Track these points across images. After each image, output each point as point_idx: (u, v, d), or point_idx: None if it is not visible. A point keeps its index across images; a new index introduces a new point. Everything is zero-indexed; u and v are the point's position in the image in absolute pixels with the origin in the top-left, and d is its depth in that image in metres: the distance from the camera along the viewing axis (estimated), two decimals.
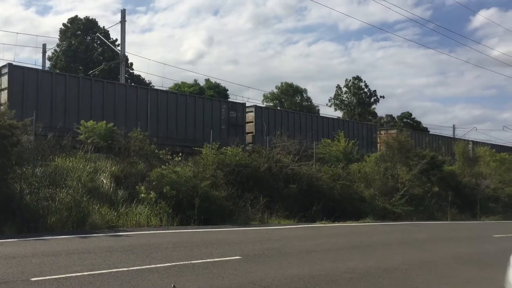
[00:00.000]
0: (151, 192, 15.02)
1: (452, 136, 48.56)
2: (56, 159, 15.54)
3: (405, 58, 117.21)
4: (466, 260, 10.86)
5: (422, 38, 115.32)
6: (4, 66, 19.01)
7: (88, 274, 7.20)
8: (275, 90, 64.78)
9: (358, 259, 10.00)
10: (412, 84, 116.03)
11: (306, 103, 64.70)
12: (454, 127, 59.86)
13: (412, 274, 8.77)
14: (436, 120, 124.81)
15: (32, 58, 67.84)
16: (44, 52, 36.72)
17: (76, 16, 49.76)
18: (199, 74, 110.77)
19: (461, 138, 45.71)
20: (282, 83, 64.80)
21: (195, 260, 8.74)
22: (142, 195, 14.92)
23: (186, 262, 8.48)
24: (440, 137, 41.88)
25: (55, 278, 6.93)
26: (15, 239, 10.28)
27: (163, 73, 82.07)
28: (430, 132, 48.57)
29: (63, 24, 49.33)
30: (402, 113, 67.18)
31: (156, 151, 18.34)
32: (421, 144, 34.85)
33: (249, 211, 16.96)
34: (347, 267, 8.95)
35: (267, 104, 61.05)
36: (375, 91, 65.48)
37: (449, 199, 25.14)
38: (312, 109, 63.01)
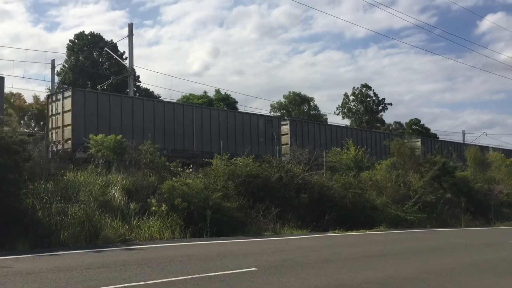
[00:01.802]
0: (163, 204, 14.96)
1: (462, 142, 48.25)
2: (68, 174, 15.55)
3: (412, 65, 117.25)
4: (484, 268, 10.67)
5: (429, 44, 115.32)
6: None
7: None
8: (283, 100, 64.83)
9: (375, 268, 9.85)
10: (420, 90, 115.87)
11: (314, 112, 64.61)
12: (463, 133, 59.57)
13: (431, 283, 8.62)
14: (445, 126, 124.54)
15: (41, 74, 68.71)
16: (53, 68, 37.08)
17: (83, 31, 50.29)
18: (205, 86, 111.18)
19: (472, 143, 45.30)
20: (289, 92, 64.87)
21: (211, 272, 8.64)
22: (154, 208, 14.85)
23: (202, 275, 8.38)
24: (450, 143, 41.60)
25: None
26: (29, 255, 10.23)
27: (171, 86, 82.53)
28: (439, 138, 48.22)
29: (70, 40, 49.91)
30: (410, 120, 66.98)
31: (167, 163, 18.30)
32: (431, 150, 34.59)
33: (261, 222, 16.82)
34: (365, 276, 8.81)
35: (275, 114, 61.04)
36: (383, 99, 65.37)
37: (462, 206, 24.86)
38: (319, 118, 62.95)
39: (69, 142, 19.98)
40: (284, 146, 27.34)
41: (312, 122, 33.60)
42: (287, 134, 28.43)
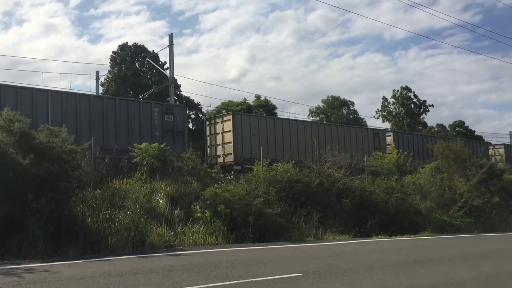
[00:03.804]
0: (206, 211, 15.21)
1: (510, 144, 46.61)
2: (114, 181, 16.04)
3: (455, 65, 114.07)
4: None
5: (473, 43, 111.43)
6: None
7: None
8: (321, 104, 64.49)
9: (422, 274, 9.67)
10: (464, 91, 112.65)
11: (353, 116, 63.94)
12: (511, 134, 57.60)
13: None
14: (491, 127, 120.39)
15: (86, 85, 70.94)
16: (97, 79, 38.26)
17: (126, 43, 51.73)
18: (243, 92, 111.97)
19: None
20: (328, 96, 64.49)
21: (256, 278, 8.72)
22: (198, 214, 15.12)
23: (247, 280, 8.47)
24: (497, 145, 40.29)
25: None
26: (81, 260, 10.62)
27: (210, 93, 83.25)
28: (485, 141, 46.76)
29: (113, 52, 51.39)
30: (454, 122, 65.26)
31: (209, 170, 18.57)
32: (476, 153, 33.61)
33: (303, 227, 16.81)
34: (412, 283, 8.67)
35: (314, 118, 60.80)
36: (425, 101, 64.00)
37: (511, 209, 23.99)
38: (359, 122, 62.22)
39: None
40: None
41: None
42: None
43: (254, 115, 32.93)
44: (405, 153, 25.58)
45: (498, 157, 38.07)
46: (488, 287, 8.62)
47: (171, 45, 30.72)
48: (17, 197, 11.99)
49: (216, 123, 25.18)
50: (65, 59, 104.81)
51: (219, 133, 24.68)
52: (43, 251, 11.37)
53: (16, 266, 9.76)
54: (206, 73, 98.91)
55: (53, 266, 9.80)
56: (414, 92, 64.28)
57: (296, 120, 28.90)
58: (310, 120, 52.59)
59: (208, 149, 25.15)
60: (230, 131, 24.13)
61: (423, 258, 12.17)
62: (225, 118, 24.82)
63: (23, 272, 9.03)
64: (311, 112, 63.85)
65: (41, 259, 10.78)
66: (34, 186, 12.17)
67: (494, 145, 41.51)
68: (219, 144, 24.52)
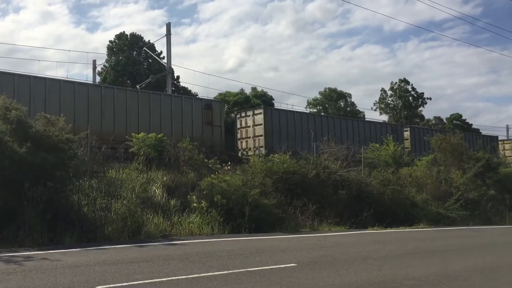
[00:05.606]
0: (202, 201, 15.23)
1: (506, 137, 46.70)
2: (110, 171, 16.03)
3: (454, 58, 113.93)
4: None
5: (472, 36, 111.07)
6: None
7: (149, 282, 7.38)
8: (319, 96, 64.35)
9: (417, 265, 9.74)
10: (463, 84, 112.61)
11: (351, 108, 63.87)
12: (507, 128, 57.79)
13: (476, 280, 8.46)
14: (488, 120, 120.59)
15: (83, 74, 70.29)
16: (94, 68, 38.15)
17: (123, 32, 51.43)
18: (241, 83, 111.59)
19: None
20: (325, 88, 64.34)
21: (251, 267, 8.76)
22: (194, 204, 15.14)
23: (242, 270, 8.52)
24: (494, 138, 40.37)
25: (118, 286, 7.16)
26: (77, 249, 10.64)
27: (208, 83, 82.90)
28: (482, 134, 46.83)
29: (110, 41, 51.13)
30: (451, 115, 65.24)
31: (205, 160, 18.57)
32: (473, 146, 33.68)
33: (299, 218, 16.89)
34: (406, 273, 8.73)
35: (311, 110, 60.71)
36: (422, 93, 63.94)
37: (507, 202, 24.13)
38: (356, 114, 62.18)
39: None
40: None
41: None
42: None
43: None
44: (402, 145, 25.56)
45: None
46: (482, 278, 8.68)
47: (168, 34, 30.61)
48: (13, 186, 11.99)
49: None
50: (62, 47, 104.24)
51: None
52: (39, 239, 11.39)
53: (14, 254, 9.79)
54: (204, 63, 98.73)
55: (50, 254, 9.83)
56: (412, 84, 64.17)
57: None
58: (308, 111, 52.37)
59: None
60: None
61: (418, 250, 12.25)
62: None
63: (22, 260, 9.07)
64: (309, 103, 63.76)
65: (37, 247, 10.80)
66: (31, 174, 12.15)
67: (503, 140, 41.26)
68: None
